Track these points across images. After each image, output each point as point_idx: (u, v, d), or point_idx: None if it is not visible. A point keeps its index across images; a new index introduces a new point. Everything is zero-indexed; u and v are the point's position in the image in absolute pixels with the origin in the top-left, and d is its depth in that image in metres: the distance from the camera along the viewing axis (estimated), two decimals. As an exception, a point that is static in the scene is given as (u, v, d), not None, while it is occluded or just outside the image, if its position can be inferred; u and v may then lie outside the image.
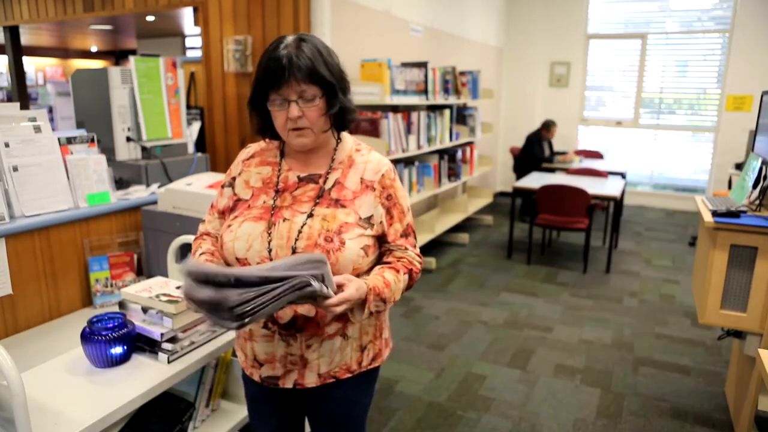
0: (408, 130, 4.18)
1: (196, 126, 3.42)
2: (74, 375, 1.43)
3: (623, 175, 5.91)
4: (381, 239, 1.29)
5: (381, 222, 1.27)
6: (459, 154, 5.23)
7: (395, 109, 4.39)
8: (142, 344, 1.54)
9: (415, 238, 1.35)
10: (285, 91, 1.17)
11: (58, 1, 4.85)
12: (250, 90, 1.25)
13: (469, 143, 5.64)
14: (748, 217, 2.23)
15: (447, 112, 4.92)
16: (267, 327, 1.26)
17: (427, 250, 5.14)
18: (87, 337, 1.45)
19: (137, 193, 2.44)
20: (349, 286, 1.10)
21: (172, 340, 1.53)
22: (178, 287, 1.64)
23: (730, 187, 5.66)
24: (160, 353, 1.51)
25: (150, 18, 5.98)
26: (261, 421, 1.44)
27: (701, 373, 3.03)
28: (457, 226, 5.70)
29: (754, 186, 2.39)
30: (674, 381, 2.94)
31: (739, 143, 6.39)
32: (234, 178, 1.36)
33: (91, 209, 2.18)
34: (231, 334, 1.68)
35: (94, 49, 9.76)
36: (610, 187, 4.91)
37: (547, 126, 6.31)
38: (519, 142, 7.42)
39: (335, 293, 1.08)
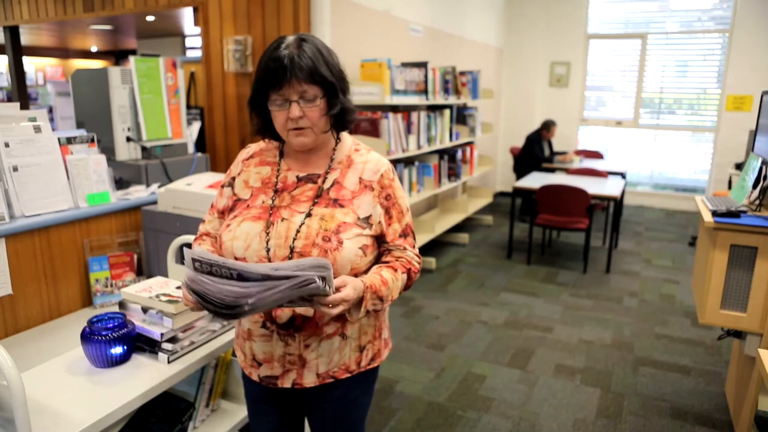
0: (408, 130, 4.18)
1: (196, 126, 3.42)
2: (74, 375, 1.43)
3: (623, 175, 5.91)
4: (380, 239, 1.29)
5: (379, 222, 1.27)
6: (459, 154, 5.23)
7: (395, 109, 4.39)
8: (142, 344, 1.54)
9: (414, 238, 1.35)
10: (286, 91, 1.17)
11: (58, 1, 4.85)
12: (250, 90, 1.26)
13: (469, 143, 5.64)
14: (748, 217, 2.23)
15: (447, 112, 4.92)
16: (265, 326, 1.26)
17: (427, 250, 5.15)
18: (87, 337, 1.45)
19: (137, 193, 2.44)
20: (346, 287, 1.10)
21: (172, 340, 1.53)
22: (178, 287, 1.64)
23: (730, 187, 5.66)
24: (160, 353, 1.51)
25: (150, 18, 5.98)
26: (260, 421, 1.44)
27: (701, 373, 3.03)
28: (457, 226, 5.70)
29: (754, 186, 2.39)
30: (674, 381, 2.94)
31: (739, 143, 6.39)
32: (234, 178, 1.36)
33: (91, 209, 2.18)
34: (231, 334, 1.68)
35: (94, 49, 9.76)
36: (610, 187, 4.91)
37: (547, 126, 6.31)
38: (519, 142, 7.43)
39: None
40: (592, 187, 4.79)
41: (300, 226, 1.20)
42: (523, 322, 3.67)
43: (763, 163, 2.37)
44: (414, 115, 4.24)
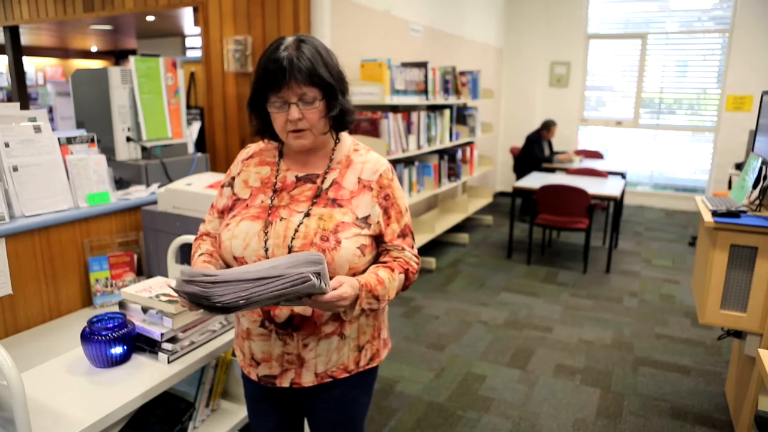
0: (408, 130, 4.18)
1: (196, 126, 3.42)
2: (74, 375, 1.43)
3: (623, 175, 5.91)
4: (378, 239, 1.29)
5: (378, 222, 1.27)
6: (459, 154, 5.23)
7: (395, 109, 4.39)
8: (142, 344, 1.54)
9: (413, 238, 1.35)
10: (285, 93, 1.17)
11: (58, 1, 4.85)
12: (250, 90, 1.26)
13: (469, 143, 5.64)
14: (748, 217, 2.23)
15: (447, 112, 4.92)
16: (264, 326, 1.27)
17: (427, 250, 5.15)
18: (87, 337, 1.45)
19: (137, 193, 2.44)
20: (343, 285, 1.10)
21: (172, 340, 1.53)
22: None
23: (730, 187, 5.66)
24: (160, 353, 1.51)
25: (150, 18, 5.98)
26: (260, 420, 1.45)
27: (701, 373, 3.03)
28: (457, 226, 5.70)
29: (754, 186, 2.38)
30: (674, 381, 2.94)
31: (739, 143, 6.39)
32: (233, 178, 1.36)
33: (91, 209, 2.18)
34: (231, 334, 1.68)
35: (94, 49, 9.76)
36: (610, 187, 4.91)
37: (547, 126, 6.31)
38: (519, 142, 7.43)
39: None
40: (592, 187, 4.79)
41: (298, 226, 1.20)
42: (523, 322, 3.67)
43: (763, 163, 2.37)
44: (414, 115, 4.24)
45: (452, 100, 4.94)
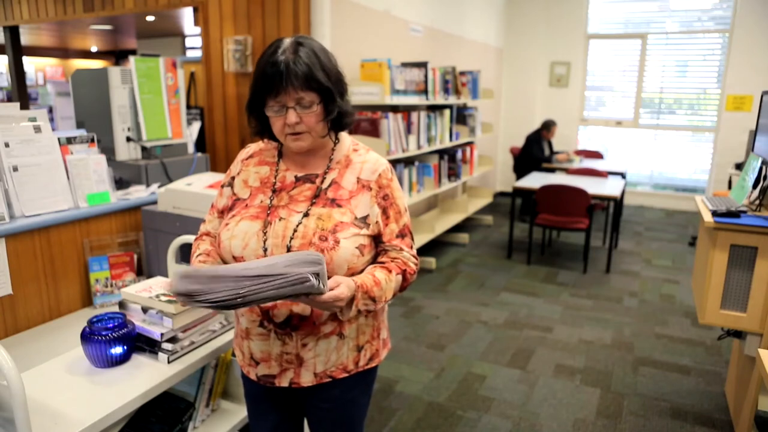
0: (408, 130, 4.18)
1: (196, 126, 3.42)
2: (74, 375, 1.43)
3: (623, 175, 5.91)
4: (377, 239, 1.29)
5: (377, 222, 1.27)
6: (459, 154, 5.23)
7: (395, 109, 4.39)
8: (142, 344, 1.54)
9: (412, 239, 1.35)
10: (282, 97, 1.17)
11: (58, 1, 4.85)
12: (249, 92, 1.26)
13: (469, 143, 5.64)
14: (748, 217, 2.23)
15: (447, 112, 4.92)
16: (263, 326, 1.27)
17: (427, 250, 5.15)
18: (87, 337, 1.45)
19: (137, 193, 2.44)
20: (339, 286, 1.11)
21: (172, 340, 1.53)
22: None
23: (730, 187, 5.66)
24: (160, 353, 1.51)
25: (150, 18, 5.98)
26: (259, 420, 1.45)
27: (701, 373, 3.03)
28: (457, 226, 5.70)
29: (754, 186, 2.38)
30: (674, 381, 2.94)
31: (739, 143, 6.39)
32: (233, 178, 1.36)
33: (91, 209, 2.18)
34: (231, 334, 1.68)
35: (94, 49, 9.76)
36: (610, 187, 4.91)
37: (547, 126, 6.31)
38: (519, 142, 7.43)
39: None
40: (592, 187, 4.79)
41: (297, 226, 1.20)
42: (523, 322, 3.67)
43: (763, 163, 2.37)
44: (414, 115, 4.24)
45: (452, 100, 4.94)
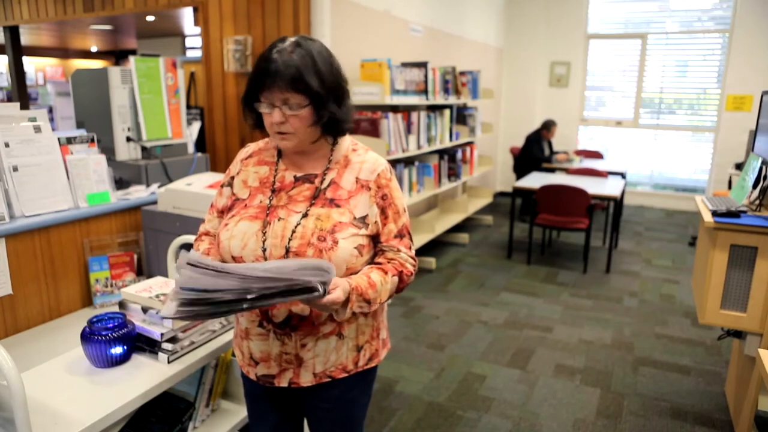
0: (408, 130, 4.18)
1: (196, 126, 3.42)
2: (74, 375, 1.43)
3: (623, 175, 5.91)
4: (376, 239, 1.29)
5: (376, 222, 1.26)
6: (459, 154, 5.23)
7: (395, 109, 4.39)
8: (142, 344, 1.54)
9: (411, 239, 1.34)
10: (270, 95, 1.17)
11: (58, 1, 4.85)
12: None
13: (469, 143, 5.64)
14: (748, 217, 2.23)
15: (447, 112, 4.92)
16: (262, 326, 1.27)
17: (427, 250, 5.15)
18: (87, 337, 1.45)
19: (137, 193, 2.44)
20: (336, 289, 1.10)
21: (172, 340, 1.53)
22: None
23: (730, 187, 5.66)
24: (160, 353, 1.51)
25: (150, 18, 5.98)
26: (259, 420, 1.45)
27: (701, 373, 3.03)
28: (457, 226, 5.70)
29: (754, 186, 2.38)
30: (674, 381, 2.94)
31: (739, 143, 6.39)
32: (233, 178, 1.36)
33: (91, 209, 2.18)
34: (231, 335, 1.68)
35: (94, 49, 9.76)
36: (610, 187, 4.91)
37: (547, 126, 6.31)
38: (519, 142, 7.43)
39: None
40: (592, 187, 4.79)
41: (296, 227, 1.20)
42: (523, 322, 3.67)
43: (763, 163, 2.37)
44: (414, 115, 4.24)
45: (452, 100, 4.94)
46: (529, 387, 2.86)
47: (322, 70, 1.18)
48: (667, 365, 3.12)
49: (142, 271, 2.40)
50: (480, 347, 3.30)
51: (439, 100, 4.65)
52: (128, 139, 2.64)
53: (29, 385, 1.32)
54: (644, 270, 4.81)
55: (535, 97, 7.85)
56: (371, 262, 1.29)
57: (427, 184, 4.67)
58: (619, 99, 7.55)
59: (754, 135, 2.66)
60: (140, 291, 1.60)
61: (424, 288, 4.28)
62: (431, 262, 4.75)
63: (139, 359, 1.51)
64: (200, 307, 1.02)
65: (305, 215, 1.22)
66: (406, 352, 3.23)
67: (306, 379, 1.29)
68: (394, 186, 1.31)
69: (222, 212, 1.37)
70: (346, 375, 1.32)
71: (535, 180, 5.12)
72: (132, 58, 2.61)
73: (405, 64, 4.22)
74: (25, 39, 7.85)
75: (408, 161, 4.45)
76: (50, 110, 4.59)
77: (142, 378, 1.42)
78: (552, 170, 6.14)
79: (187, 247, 1.97)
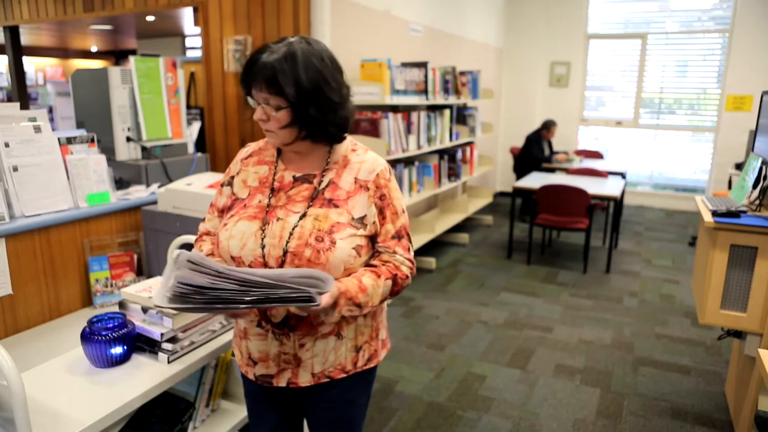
0: (408, 130, 4.18)
1: (196, 126, 3.42)
2: (74, 375, 1.43)
3: (623, 175, 5.91)
4: (375, 240, 1.29)
5: (374, 222, 1.26)
6: (459, 154, 5.23)
7: (395, 109, 4.39)
8: (142, 344, 1.54)
9: (410, 241, 1.32)
10: (255, 93, 1.19)
11: (58, 1, 4.85)
12: None
13: (469, 143, 5.64)
14: (748, 217, 2.23)
15: (447, 112, 4.92)
16: (260, 326, 1.27)
17: (427, 250, 5.15)
18: (87, 337, 1.45)
19: (137, 193, 2.44)
20: (324, 296, 1.10)
21: (172, 340, 1.53)
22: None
23: (730, 187, 5.66)
24: (160, 353, 1.51)
25: (150, 18, 5.98)
26: (259, 420, 1.45)
27: (701, 373, 3.03)
28: (457, 226, 5.70)
29: (754, 186, 2.38)
30: (674, 381, 2.94)
31: (739, 143, 6.39)
32: (233, 177, 1.36)
33: (91, 209, 2.18)
34: (231, 335, 1.68)
35: (94, 49, 9.76)
36: (610, 187, 4.91)
37: (547, 126, 6.31)
38: (519, 142, 7.43)
39: None
40: (592, 187, 4.79)
41: (294, 227, 1.20)
42: (523, 322, 3.67)
43: (763, 163, 2.37)
44: (414, 115, 4.24)
45: (452, 100, 4.94)
46: (529, 387, 2.86)
47: (301, 75, 1.15)
48: (667, 365, 3.12)
49: (142, 271, 2.40)
50: (480, 347, 3.30)
51: (439, 100, 4.65)
52: (128, 139, 2.64)
53: (29, 385, 1.32)
54: (644, 270, 4.81)
55: (535, 97, 7.85)
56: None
57: (427, 184, 4.67)
58: (619, 99, 7.55)
59: (754, 135, 2.66)
60: (140, 291, 1.60)
61: (424, 288, 4.28)
62: (431, 262, 4.75)
63: (139, 359, 1.51)
64: (194, 304, 1.02)
65: (303, 216, 1.22)
66: (406, 352, 3.23)
67: (304, 379, 1.29)
68: (393, 186, 1.30)
69: (222, 212, 1.37)
70: (344, 375, 1.31)
71: (535, 180, 5.12)
72: (132, 58, 2.61)
73: (405, 64, 4.22)
74: (25, 39, 7.85)
75: (408, 161, 4.45)
76: (50, 110, 4.59)
77: (142, 378, 1.42)
78: (552, 170, 6.14)
79: (188, 247, 1.97)
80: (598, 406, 2.70)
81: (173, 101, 2.81)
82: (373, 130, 3.85)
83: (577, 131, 7.81)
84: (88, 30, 7.26)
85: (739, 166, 5.12)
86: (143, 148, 2.68)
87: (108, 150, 2.57)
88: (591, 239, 5.10)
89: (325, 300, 1.09)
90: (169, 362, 1.50)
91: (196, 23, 5.03)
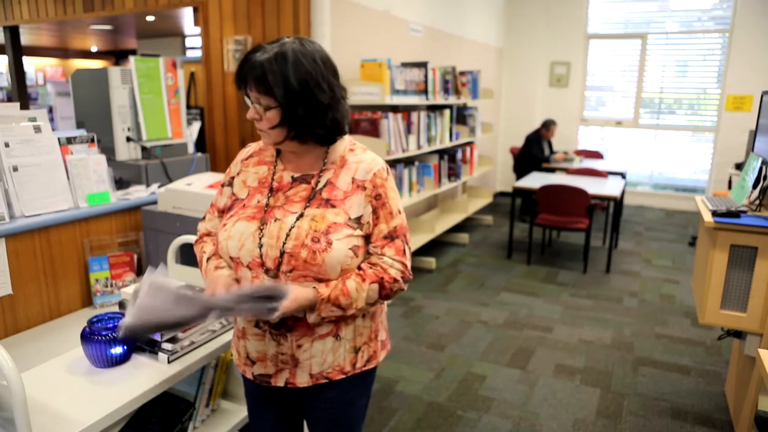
0: (408, 130, 4.18)
1: (196, 126, 3.42)
2: (74, 375, 1.43)
3: (623, 175, 5.91)
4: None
5: (369, 222, 1.25)
6: (459, 154, 5.23)
7: (395, 109, 4.39)
8: (142, 344, 1.54)
9: (406, 242, 1.28)
10: (249, 91, 1.20)
11: (58, 1, 4.85)
12: None
13: (469, 143, 5.64)
14: (748, 217, 2.22)
15: (447, 112, 4.92)
16: (258, 326, 1.27)
17: (427, 250, 5.14)
18: (87, 337, 1.45)
19: (137, 193, 2.44)
20: (289, 301, 1.14)
21: (172, 340, 1.53)
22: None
23: (730, 187, 5.66)
24: (160, 353, 1.51)
25: (150, 18, 5.98)
26: (259, 418, 1.45)
27: (701, 373, 3.03)
28: (457, 226, 5.70)
29: (754, 186, 2.38)
30: (674, 381, 2.94)
31: (739, 143, 6.39)
32: (233, 178, 1.37)
33: (91, 209, 2.18)
34: (230, 335, 1.68)
35: (94, 49, 9.76)
36: (610, 187, 4.91)
37: (547, 126, 6.31)
38: (519, 142, 7.42)
39: None
40: (592, 187, 4.79)
41: (291, 228, 1.20)
42: (523, 322, 3.67)
43: (763, 163, 2.37)
44: (414, 115, 4.24)
45: (452, 100, 4.94)
46: (529, 387, 2.86)
47: (290, 75, 1.14)
48: (667, 365, 3.12)
49: (142, 271, 2.40)
50: (480, 347, 3.30)
51: (439, 100, 4.65)
52: (128, 139, 2.64)
53: (29, 385, 1.32)
54: (644, 270, 4.81)
55: (535, 97, 7.85)
56: None
57: (427, 184, 4.67)
58: (619, 99, 7.55)
59: (754, 135, 2.66)
60: (140, 291, 1.59)
61: (424, 288, 4.28)
62: (431, 262, 4.75)
63: (139, 359, 1.51)
64: (151, 332, 1.19)
65: (301, 216, 1.22)
66: (406, 352, 3.23)
67: (302, 380, 1.29)
68: (389, 186, 1.28)
69: (222, 212, 1.37)
70: (343, 376, 1.31)
71: (535, 180, 5.12)
72: (132, 58, 2.61)
73: (405, 64, 4.22)
74: (25, 39, 7.84)
75: (408, 161, 4.45)
76: (50, 110, 4.59)
77: (142, 378, 1.42)
78: (552, 170, 6.14)
79: (187, 247, 1.97)
80: (598, 406, 2.70)
81: (173, 101, 2.81)
82: (373, 130, 3.85)
83: (577, 131, 7.81)
84: (88, 30, 7.26)
85: (739, 166, 5.12)
86: (143, 148, 2.68)
87: (108, 150, 2.57)
88: (591, 239, 5.09)
89: (283, 309, 1.13)
90: (169, 362, 1.50)
91: (196, 23, 5.03)
